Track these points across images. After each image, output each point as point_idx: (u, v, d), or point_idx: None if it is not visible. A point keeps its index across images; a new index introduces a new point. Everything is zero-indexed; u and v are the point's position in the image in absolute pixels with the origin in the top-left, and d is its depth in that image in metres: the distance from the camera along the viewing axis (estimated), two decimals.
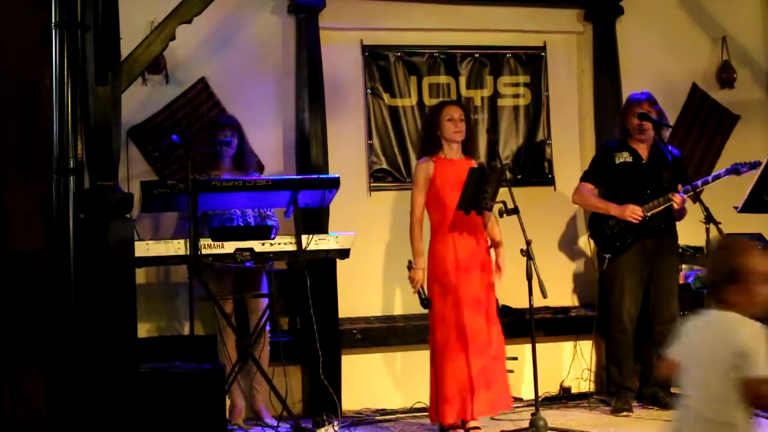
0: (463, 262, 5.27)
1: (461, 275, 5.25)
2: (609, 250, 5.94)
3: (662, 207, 5.81)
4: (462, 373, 5.16)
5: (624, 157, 5.98)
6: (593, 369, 6.57)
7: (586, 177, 6.13)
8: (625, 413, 5.76)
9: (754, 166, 5.87)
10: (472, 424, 5.23)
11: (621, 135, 6.07)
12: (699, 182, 5.84)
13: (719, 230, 5.46)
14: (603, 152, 6.15)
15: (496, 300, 6.44)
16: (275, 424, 5.46)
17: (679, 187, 5.85)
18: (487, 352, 5.23)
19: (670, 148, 5.99)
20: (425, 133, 5.61)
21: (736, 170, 5.85)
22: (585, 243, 6.82)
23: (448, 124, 5.41)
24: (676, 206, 5.78)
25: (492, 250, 5.47)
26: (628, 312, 5.90)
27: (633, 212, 5.80)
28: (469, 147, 5.52)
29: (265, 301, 5.60)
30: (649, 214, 5.83)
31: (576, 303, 6.79)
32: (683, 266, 6.16)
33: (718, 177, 5.89)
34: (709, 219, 5.53)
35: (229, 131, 5.70)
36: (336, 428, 5.41)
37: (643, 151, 5.98)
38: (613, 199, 5.97)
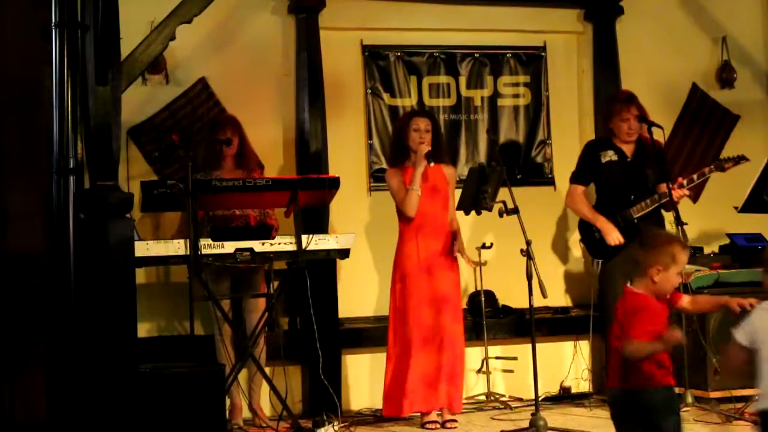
0: (425, 261, 5.47)
1: (423, 275, 5.47)
2: (600, 255, 5.92)
3: (650, 208, 5.80)
4: (425, 368, 5.36)
5: (609, 155, 5.94)
6: (593, 369, 6.56)
7: (574, 179, 6.06)
8: None
9: (738, 161, 5.85)
10: (447, 416, 5.42)
11: (606, 132, 6.05)
12: (684, 181, 5.82)
13: (683, 231, 5.43)
14: (588, 151, 6.07)
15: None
16: (267, 425, 5.46)
17: (680, 180, 5.84)
18: (449, 348, 5.42)
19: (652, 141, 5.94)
20: (394, 143, 5.73)
21: (719, 166, 5.83)
22: None
23: (413, 134, 5.55)
24: (676, 199, 5.73)
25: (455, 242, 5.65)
26: None
27: (617, 239, 5.75)
28: (438, 153, 5.58)
29: (262, 301, 5.60)
30: (637, 216, 5.82)
31: (576, 303, 6.78)
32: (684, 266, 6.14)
33: (703, 175, 5.87)
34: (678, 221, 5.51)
35: (230, 131, 5.69)
36: (336, 428, 5.41)
37: (628, 148, 5.95)
38: (600, 199, 5.97)
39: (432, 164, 5.46)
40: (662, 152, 5.95)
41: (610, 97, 6.17)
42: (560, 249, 6.81)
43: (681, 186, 5.79)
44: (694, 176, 5.87)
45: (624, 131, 5.89)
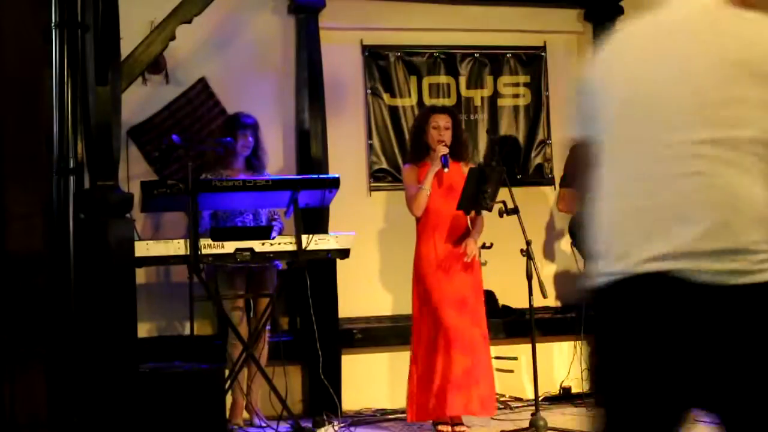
0: (443, 262, 5.32)
1: (442, 275, 5.30)
2: None
3: None
4: (453, 370, 5.17)
5: None
6: (593, 369, 6.55)
7: (564, 183, 6.09)
8: None
9: None
10: (459, 429, 5.27)
11: None
12: None
13: None
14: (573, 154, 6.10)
15: (496, 301, 6.44)
16: (269, 425, 5.46)
17: None
18: (474, 351, 5.24)
19: None
20: (412, 139, 5.64)
21: None
22: None
23: (432, 132, 5.41)
24: None
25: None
26: None
27: None
28: (458, 151, 5.48)
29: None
30: None
31: (576, 303, 6.78)
32: None
33: None
34: None
35: (249, 132, 5.66)
36: (336, 428, 5.41)
37: None
38: None
39: (447, 170, 5.29)
40: None
41: None
42: (560, 249, 6.82)
43: None
44: None
45: None
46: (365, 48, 6.57)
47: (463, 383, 5.15)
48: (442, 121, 5.43)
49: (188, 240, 5.09)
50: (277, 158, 6.28)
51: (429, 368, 5.26)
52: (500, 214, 5.29)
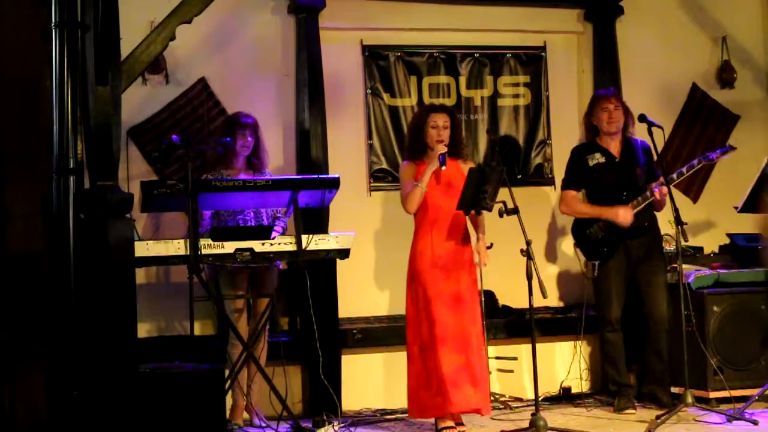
0: (439, 259, 5.31)
1: (437, 273, 5.29)
2: (597, 257, 5.91)
3: (643, 205, 5.81)
4: (448, 368, 5.16)
5: (597, 158, 5.96)
6: (593, 369, 6.57)
7: (566, 185, 6.08)
8: (629, 411, 5.76)
9: (724, 151, 5.85)
10: (460, 429, 5.27)
11: (590, 134, 6.06)
12: (674, 175, 5.82)
13: (683, 232, 5.44)
14: (575, 156, 6.08)
15: (496, 301, 6.44)
16: (269, 425, 5.46)
17: (656, 183, 5.85)
18: (468, 349, 5.23)
19: (638, 141, 5.99)
20: (411, 137, 5.62)
21: (707, 157, 5.83)
22: None
23: (431, 131, 5.42)
24: (658, 198, 5.78)
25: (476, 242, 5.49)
26: (616, 313, 5.91)
27: (626, 216, 5.78)
28: (456, 149, 5.47)
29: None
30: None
31: (576, 303, 6.78)
32: (684, 266, 6.12)
33: (691, 167, 5.86)
34: (678, 221, 5.50)
35: (249, 131, 5.67)
36: (336, 428, 5.41)
37: (614, 148, 5.97)
38: (592, 203, 5.98)
39: (444, 168, 5.29)
40: (648, 151, 5.96)
41: (594, 94, 6.25)
42: (560, 249, 6.82)
43: (662, 184, 5.77)
44: (684, 169, 5.88)
45: (604, 120, 5.92)
46: (365, 48, 6.57)
47: (459, 380, 5.15)
48: (441, 120, 5.43)
49: (188, 240, 5.09)
50: (277, 158, 6.29)
51: (425, 365, 5.27)
52: (500, 214, 5.28)
